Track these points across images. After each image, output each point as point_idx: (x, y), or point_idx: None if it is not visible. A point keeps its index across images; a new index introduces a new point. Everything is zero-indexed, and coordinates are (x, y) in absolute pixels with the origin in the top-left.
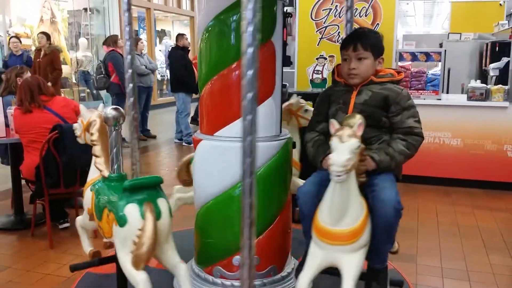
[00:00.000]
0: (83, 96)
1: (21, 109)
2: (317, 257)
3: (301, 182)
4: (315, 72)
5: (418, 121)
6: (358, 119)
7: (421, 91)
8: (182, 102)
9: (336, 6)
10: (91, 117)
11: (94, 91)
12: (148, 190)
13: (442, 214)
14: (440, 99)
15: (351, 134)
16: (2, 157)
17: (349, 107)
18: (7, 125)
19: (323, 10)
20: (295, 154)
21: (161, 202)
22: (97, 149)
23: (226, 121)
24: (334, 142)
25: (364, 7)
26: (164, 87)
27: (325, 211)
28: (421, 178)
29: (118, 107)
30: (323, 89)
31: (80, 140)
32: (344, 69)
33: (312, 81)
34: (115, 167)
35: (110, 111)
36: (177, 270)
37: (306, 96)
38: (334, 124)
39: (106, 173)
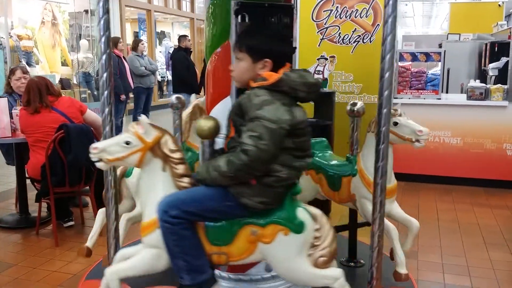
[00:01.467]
0: (84, 97)
1: (28, 109)
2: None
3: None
4: (316, 72)
5: (256, 137)
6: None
7: (421, 91)
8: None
9: (337, 7)
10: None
11: (95, 92)
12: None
13: (442, 212)
14: (440, 99)
15: (129, 130)
16: (7, 157)
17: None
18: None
19: (324, 11)
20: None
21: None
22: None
23: None
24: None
25: (365, 8)
26: (165, 88)
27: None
28: (422, 177)
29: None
30: (324, 89)
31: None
32: None
33: None
34: None
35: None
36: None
37: None
38: (142, 120)
39: None
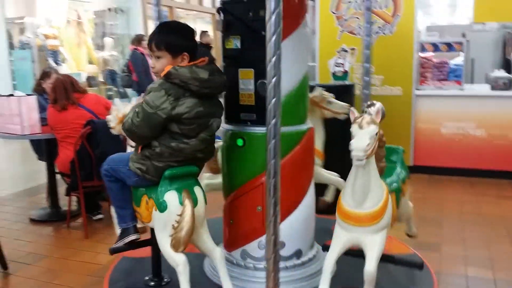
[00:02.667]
0: (110, 95)
1: (55, 107)
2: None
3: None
4: (336, 65)
5: (135, 113)
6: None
7: (443, 82)
8: None
9: None
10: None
11: (121, 89)
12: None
13: (466, 204)
14: (463, 90)
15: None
16: (39, 154)
17: None
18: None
19: (343, 3)
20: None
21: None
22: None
23: None
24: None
25: None
26: None
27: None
28: (446, 170)
29: None
30: (345, 81)
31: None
32: None
33: (334, 74)
34: None
35: None
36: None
37: (327, 89)
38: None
39: None
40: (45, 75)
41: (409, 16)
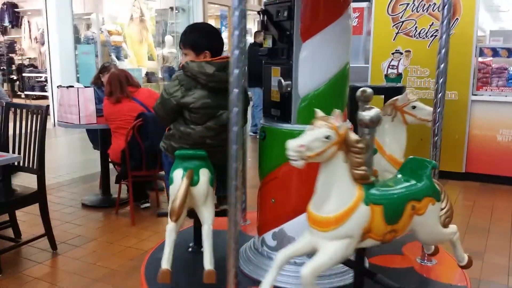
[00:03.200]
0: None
1: (110, 99)
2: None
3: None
4: (390, 67)
5: (160, 97)
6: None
7: (502, 88)
8: (258, 96)
9: (414, 0)
10: None
11: None
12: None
13: None
14: None
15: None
16: (94, 143)
17: None
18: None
19: (400, 5)
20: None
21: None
22: None
23: None
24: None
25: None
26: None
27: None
28: (499, 178)
29: None
30: (397, 83)
31: None
32: None
33: (386, 75)
34: None
35: None
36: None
37: (378, 90)
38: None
39: None
40: (104, 69)
41: (469, 19)
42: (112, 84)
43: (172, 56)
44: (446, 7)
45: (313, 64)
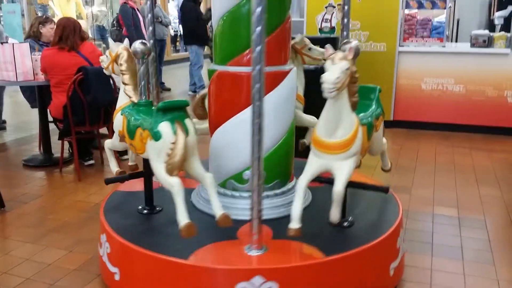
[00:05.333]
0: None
1: (55, 47)
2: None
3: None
4: (324, 20)
5: None
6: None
7: (426, 39)
8: (195, 54)
9: None
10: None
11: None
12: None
13: (440, 155)
14: (444, 46)
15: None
16: (30, 101)
17: None
18: None
19: None
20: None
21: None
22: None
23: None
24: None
25: None
26: (177, 43)
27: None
28: (423, 124)
29: (145, 42)
30: (332, 35)
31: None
32: None
33: (320, 29)
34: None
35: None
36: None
37: (313, 40)
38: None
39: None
40: (46, 19)
41: None
42: (66, 29)
43: (102, 14)
44: None
45: None
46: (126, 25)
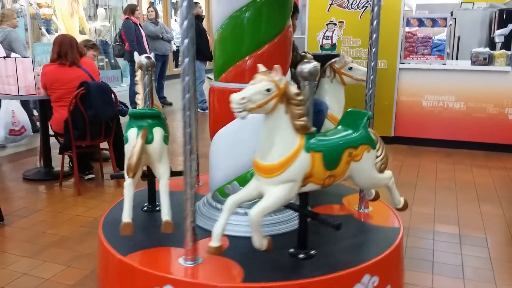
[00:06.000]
0: (102, 65)
1: (55, 64)
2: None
3: None
4: (325, 37)
5: None
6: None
7: (426, 56)
8: (196, 69)
9: None
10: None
11: (112, 60)
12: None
13: (441, 171)
14: (445, 64)
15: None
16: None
17: None
18: None
19: None
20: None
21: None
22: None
23: None
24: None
25: None
26: (180, 58)
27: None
28: (424, 140)
29: (150, 56)
30: (332, 52)
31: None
32: None
33: (321, 46)
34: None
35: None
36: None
37: (315, 57)
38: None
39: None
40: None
41: None
42: (63, 45)
43: (105, 29)
44: None
45: None
46: (128, 40)
